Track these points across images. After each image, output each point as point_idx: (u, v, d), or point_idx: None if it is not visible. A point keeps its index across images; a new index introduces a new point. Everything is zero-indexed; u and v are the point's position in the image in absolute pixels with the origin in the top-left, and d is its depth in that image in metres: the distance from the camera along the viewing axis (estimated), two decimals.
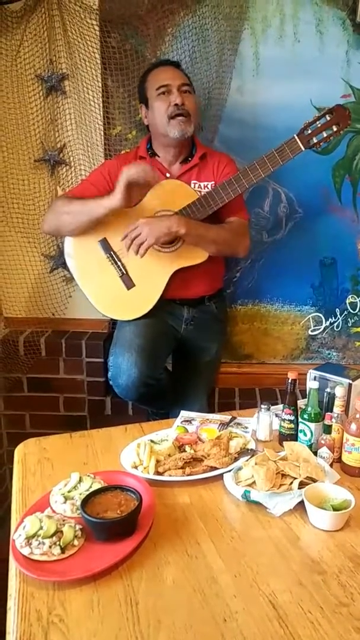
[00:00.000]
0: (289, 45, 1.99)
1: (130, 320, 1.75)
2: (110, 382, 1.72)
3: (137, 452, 1.30)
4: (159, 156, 1.82)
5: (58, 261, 2.12)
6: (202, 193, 1.73)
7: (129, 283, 1.73)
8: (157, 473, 1.25)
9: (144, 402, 1.85)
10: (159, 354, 1.74)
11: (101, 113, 2.00)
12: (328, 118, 1.70)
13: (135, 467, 1.27)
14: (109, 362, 1.72)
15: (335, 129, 1.71)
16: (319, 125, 1.70)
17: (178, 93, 1.71)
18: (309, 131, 1.69)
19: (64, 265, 2.12)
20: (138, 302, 1.74)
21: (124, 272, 1.73)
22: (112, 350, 1.71)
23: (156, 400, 1.84)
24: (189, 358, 1.94)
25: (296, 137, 1.68)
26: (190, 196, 1.71)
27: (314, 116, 1.71)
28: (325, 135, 1.71)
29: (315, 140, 1.70)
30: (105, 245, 1.75)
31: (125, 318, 1.76)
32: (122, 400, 2.04)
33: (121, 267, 1.73)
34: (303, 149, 1.69)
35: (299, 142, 1.68)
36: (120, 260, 1.73)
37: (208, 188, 1.77)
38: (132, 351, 1.63)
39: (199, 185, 1.78)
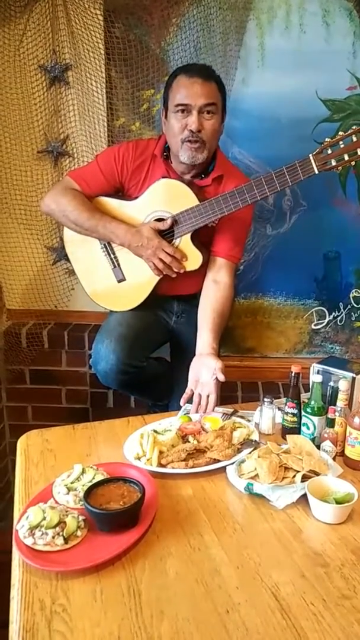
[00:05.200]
0: (295, 37, 1.98)
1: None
2: (92, 369, 1.71)
3: (140, 442, 1.30)
4: (171, 162, 1.70)
5: (60, 253, 2.12)
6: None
7: (119, 276, 1.72)
8: (160, 465, 1.25)
9: (127, 389, 1.83)
10: (141, 342, 1.71)
11: (105, 104, 1.99)
12: (354, 139, 1.47)
13: (139, 459, 1.28)
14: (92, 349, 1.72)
15: (359, 152, 1.47)
16: (342, 146, 1.48)
17: (197, 116, 1.53)
18: (329, 151, 1.48)
19: (66, 257, 2.11)
20: (126, 297, 1.73)
21: (116, 265, 1.72)
22: (95, 336, 1.71)
23: (142, 388, 1.83)
24: (183, 351, 1.91)
25: (311, 158, 1.49)
26: (190, 201, 1.63)
27: (338, 134, 1.49)
28: (347, 158, 1.49)
29: (333, 162, 1.49)
30: None
31: (112, 309, 1.76)
32: (120, 391, 2.04)
33: (114, 260, 1.72)
34: (317, 171, 1.49)
35: (313, 164, 1.49)
36: (114, 253, 1.72)
37: None
38: (112, 338, 1.63)
39: None
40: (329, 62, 1.98)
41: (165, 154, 1.69)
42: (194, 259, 1.66)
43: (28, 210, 2.09)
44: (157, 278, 1.68)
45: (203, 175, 1.69)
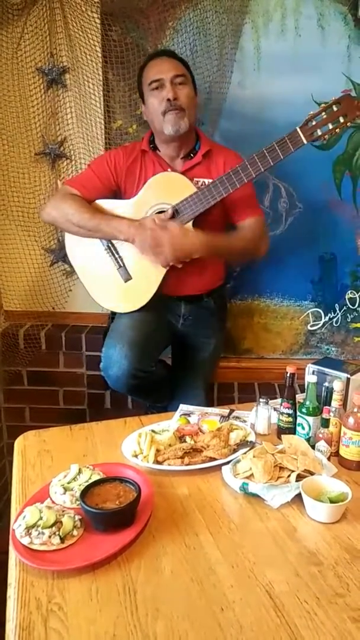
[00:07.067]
0: (291, 40, 1.99)
1: (126, 312, 1.75)
2: (102, 373, 1.73)
3: (138, 441, 1.31)
4: (159, 151, 1.79)
5: (58, 255, 2.13)
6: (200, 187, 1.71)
7: (125, 275, 1.73)
8: (157, 462, 1.26)
9: (135, 393, 1.85)
10: (151, 347, 1.74)
11: (102, 106, 2.00)
12: (335, 109, 1.59)
13: (136, 456, 1.29)
14: (102, 353, 1.73)
15: (342, 120, 1.59)
16: (325, 116, 1.60)
17: (171, 87, 1.66)
18: (314, 123, 1.60)
19: (64, 259, 2.13)
20: (133, 296, 1.74)
21: (121, 265, 1.73)
22: (106, 341, 1.72)
23: (149, 392, 1.84)
24: (187, 354, 1.94)
25: (298, 130, 1.60)
26: (187, 189, 1.68)
27: (320, 107, 1.61)
28: (331, 127, 1.60)
29: (319, 132, 1.60)
30: None
31: (120, 310, 1.77)
32: (121, 393, 2.05)
33: (118, 259, 1.73)
34: (305, 142, 1.60)
35: (301, 135, 1.59)
36: (118, 253, 1.73)
37: None
38: (124, 343, 1.64)
39: (203, 182, 1.74)
40: (324, 65, 1.99)
41: (152, 145, 1.77)
42: None
43: (26, 212, 2.10)
44: (164, 273, 1.70)
45: (192, 155, 1.76)
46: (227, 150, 1.81)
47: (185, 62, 1.77)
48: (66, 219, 1.70)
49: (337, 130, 1.62)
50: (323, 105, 1.62)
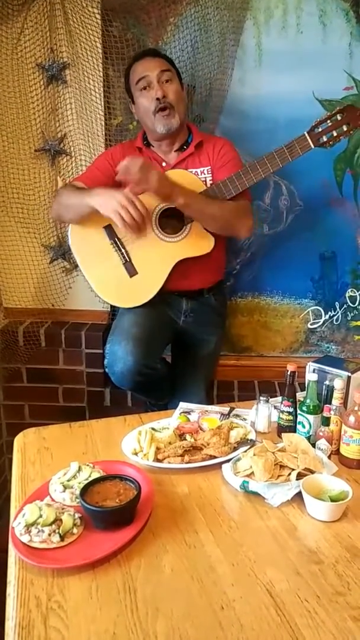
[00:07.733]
0: (292, 37, 1.98)
1: (130, 308, 1.75)
2: (106, 370, 1.72)
3: (137, 439, 1.31)
4: (153, 147, 1.82)
5: (58, 252, 2.12)
6: (203, 179, 1.73)
7: (131, 271, 1.73)
8: (157, 460, 1.26)
9: (139, 390, 1.86)
10: (155, 343, 1.74)
11: (102, 103, 1.99)
12: (339, 117, 1.68)
13: (136, 454, 1.28)
14: (105, 350, 1.73)
15: (345, 128, 1.69)
16: (330, 124, 1.68)
17: (159, 85, 1.69)
18: (320, 129, 1.68)
19: (63, 256, 2.13)
20: (139, 291, 1.74)
21: (127, 260, 1.73)
22: (110, 338, 1.72)
23: (152, 390, 1.85)
24: (188, 350, 1.94)
25: (306, 135, 1.67)
26: (196, 186, 1.70)
27: (325, 114, 1.69)
28: (335, 134, 1.69)
29: (325, 138, 1.69)
30: (110, 231, 1.74)
31: (125, 305, 1.77)
32: (121, 391, 2.05)
33: (125, 255, 1.73)
34: (312, 146, 1.67)
35: (309, 140, 1.67)
36: (124, 247, 1.73)
37: (205, 173, 1.77)
38: (129, 339, 1.64)
39: (196, 172, 1.77)
40: (325, 62, 1.98)
41: (145, 142, 1.80)
42: (205, 242, 1.71)
43: (25, 208, 2.09)
44: (169, 268, 1.71)
45: (185, 147, 1.79)
46: (217, 138, 1.86)
47: (169, 58, 1.79)
48: (61, 204, 1.73)
49: (341, 137, 1.70)
50: (328, 113, 1.69)
